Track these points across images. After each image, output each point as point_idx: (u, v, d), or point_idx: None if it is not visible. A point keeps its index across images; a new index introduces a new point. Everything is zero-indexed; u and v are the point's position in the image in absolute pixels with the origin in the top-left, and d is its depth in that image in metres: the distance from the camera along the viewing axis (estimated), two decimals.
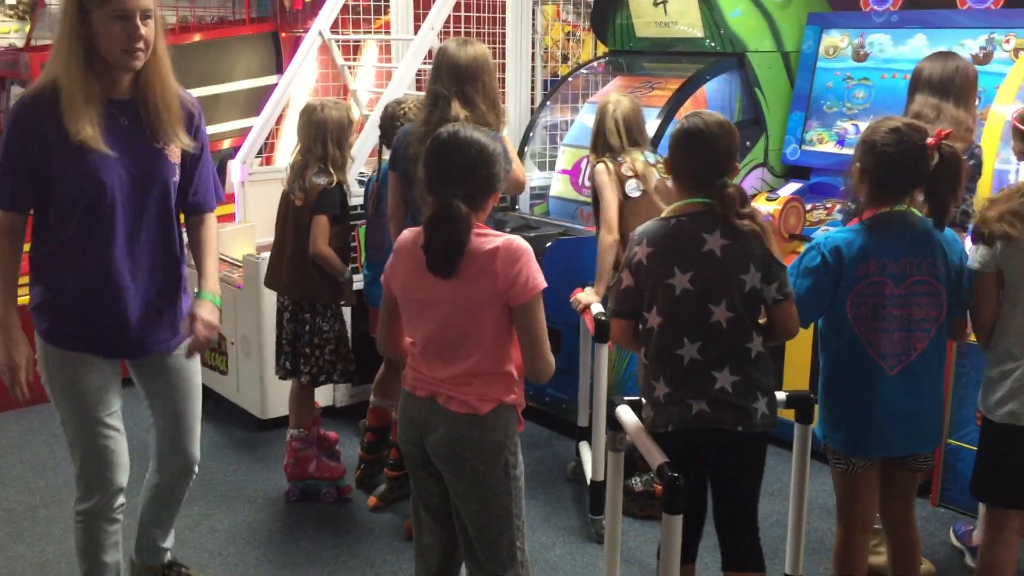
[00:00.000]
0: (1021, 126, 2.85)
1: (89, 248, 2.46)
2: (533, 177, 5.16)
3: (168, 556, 3.02)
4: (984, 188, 3.43)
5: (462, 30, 5.34)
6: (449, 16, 5.02)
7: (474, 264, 2.28)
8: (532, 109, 5.47)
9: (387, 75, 5.40)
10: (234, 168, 5.11)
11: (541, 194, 5.14)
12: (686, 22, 4.79)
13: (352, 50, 5.76)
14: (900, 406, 2.58)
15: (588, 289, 3.67)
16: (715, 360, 2.44)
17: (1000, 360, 2.71)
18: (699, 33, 4.77)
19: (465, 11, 5.42)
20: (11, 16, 7.46)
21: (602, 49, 5.51)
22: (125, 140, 2.44)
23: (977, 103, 3.39)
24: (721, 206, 2.44)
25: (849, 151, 4.33)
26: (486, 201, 2.35)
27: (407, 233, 2.42)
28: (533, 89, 5.70)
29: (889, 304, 2.54)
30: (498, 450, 2.36)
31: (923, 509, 3.65)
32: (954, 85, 3.17)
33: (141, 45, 2.37)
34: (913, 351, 2.57)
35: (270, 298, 3.96)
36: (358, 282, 4.06)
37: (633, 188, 3.58)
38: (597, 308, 3.49)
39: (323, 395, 4.31)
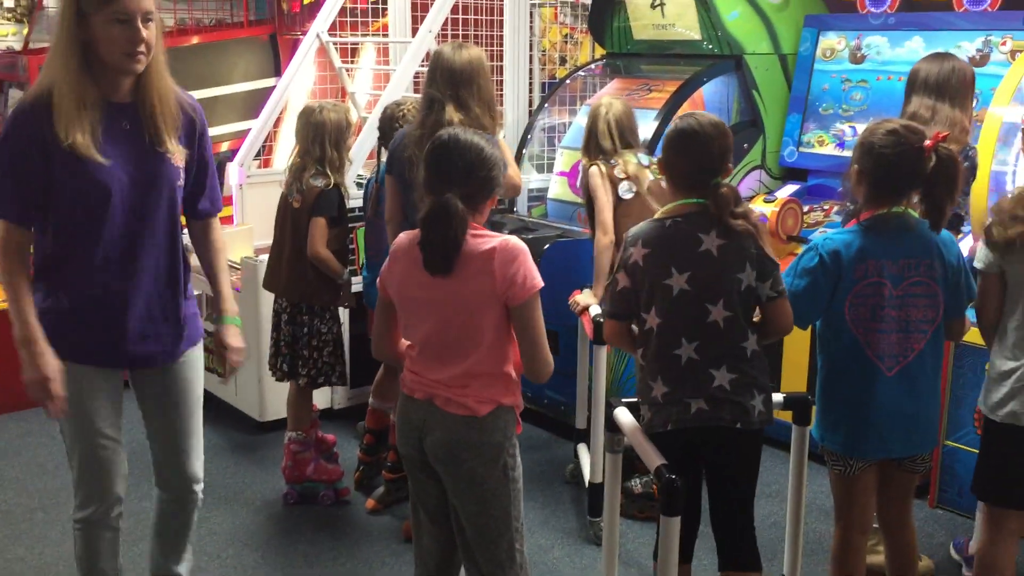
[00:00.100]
0: None
1: (88, 255, 2.40)
2: (531, 179, 5.17)
3: None
4: (981, 190, 3.44)
5: (460, 33, 5.35)
6: (447, 19, 5.03)
7: (472, 264, 2.29)
8: (530, 111, 5.48)
9: (385, 78, 5.41)
10: (232, 170, 5.11)
11: (539, 196, 5.15)
12: (683, 24, 4.80)
13: (350, 53, 5.77)
14: (898, 407, 2.58)
15: (586, 291, 3.67)
16: (713, 359, 2.45)
17: (1001, 360, 2.71)
18: (696, 35, 4.78)
19: (463, 14, 5.43)
20: (9, 19, 7.46)
21: (600, 51, 5.52)
22: (127, 144, 2.38)
23: (975, 104, 3.40)
24: (716, 206, 2.45)
25: (847, 153, 4.35)
26: (483, 203, 2.36)
27: (403, 236, 2.42)
28: (531, 91, 5.71)
29: (887, 305, 2.55)
30: (496, 452, 2.36)
31: (921, 510, 3.66)
32: (950, 86, 3.18)
33: (142, 48, 2.31)
34: (911, 352, 2.58)
35: (268, 300, 3.96)
36: (357, 284, 4.07)
37: (626, 190, 3.59)
38: (595, 310, 3.50)
39: (321, 397, 4.31)
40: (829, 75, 4.69)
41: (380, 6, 5.76)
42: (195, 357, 2.64)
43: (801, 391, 3.69)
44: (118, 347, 2.47)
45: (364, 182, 4.56)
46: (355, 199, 4.26)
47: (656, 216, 2.57)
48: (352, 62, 5.81)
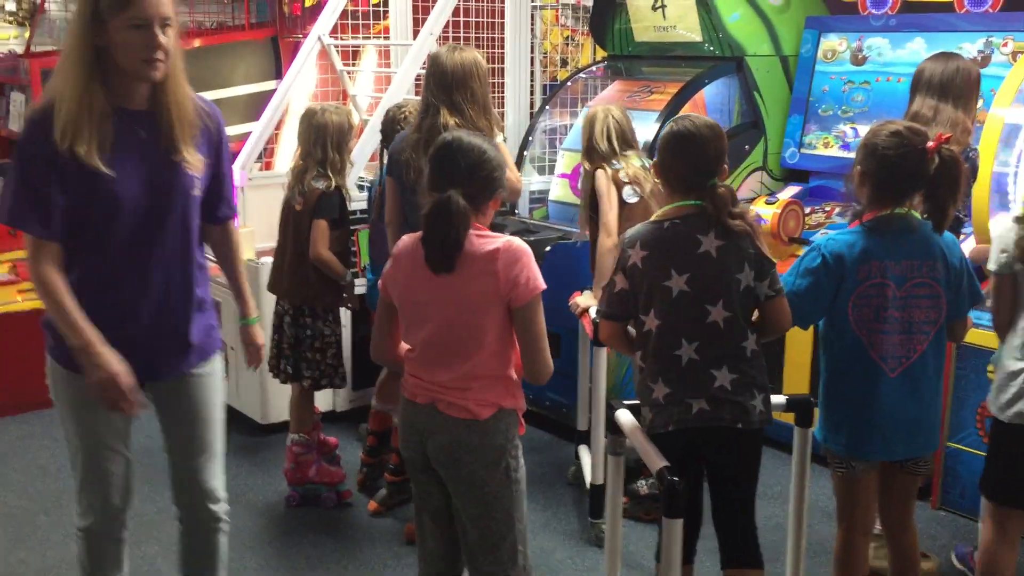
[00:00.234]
0: None
1: (97, 264, 2.32)
2: (532, 181, 5.17)
3: None
4: (982, 191, 3.44)
5: (461, 35, 5.36)
6: (448, 21, 5.03)
7: (475, 264, 2.29)
8: (531, 113, 5.48)
9: (386, 80, 5.41)
10: (233, 173, 5.11)
11: (540, 198, 5.15)
12: (685, 26, 4.80)
13: (351, 55, 5.77)
14: (900, 409, 2.58)
15: (587, 292, 3.68)
16: (713, 359, 2.46)
17: (1011, 361, 2.72)
18: (698, 37, 4.78)
19: (464, 16, 5.43)
20: (11, 22, 7.47)
21: (601, 54, 5.53)
22: (141, 153, 2.30)
23: (979, 104, 3.40)
24: (713, 206, 2.46)
25: (848, 155, 4.35)
26: (486, 204, 2.36)
27: (407, 237, 2.43)
28: (532, 94, 5.71)
29: (891, 306, 2.55)
30: (498, 454, 2.37)
31: (923, 512, 3.65)
32: (954, 86, 3.18)
33: (160, 55, 2.22)
34: (913, 353, 2.58)
35: (270, 302, 3.96)
36: (360, 286, 4.07)
37: (631, 194, 3.60)
38: (595, 311, 3.50)
39: (323, 400, 4.31)
40: (830, 77, 4.69)
41: (381, 9, 5.77)
42: (212, 371, 2.54)
43: (803, 392, 3.70)
44: (126, 359, 2.35)
45: (366, 185, 4.57)
46: (357, 201, 4.26)
47: (653, 218, 2.57)
48: (353, 65, 5.81)
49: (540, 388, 4.19)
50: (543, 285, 2.31)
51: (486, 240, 2.31)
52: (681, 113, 4.48)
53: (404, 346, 2.47)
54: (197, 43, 6.04)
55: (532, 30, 5.72)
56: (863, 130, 4.22)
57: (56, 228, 2.25)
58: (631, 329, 2.60)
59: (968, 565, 3.28)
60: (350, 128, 3.83)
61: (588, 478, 3.64)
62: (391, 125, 3.85)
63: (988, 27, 4.17)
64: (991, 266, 2.77)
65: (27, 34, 7.03)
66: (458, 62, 3.29)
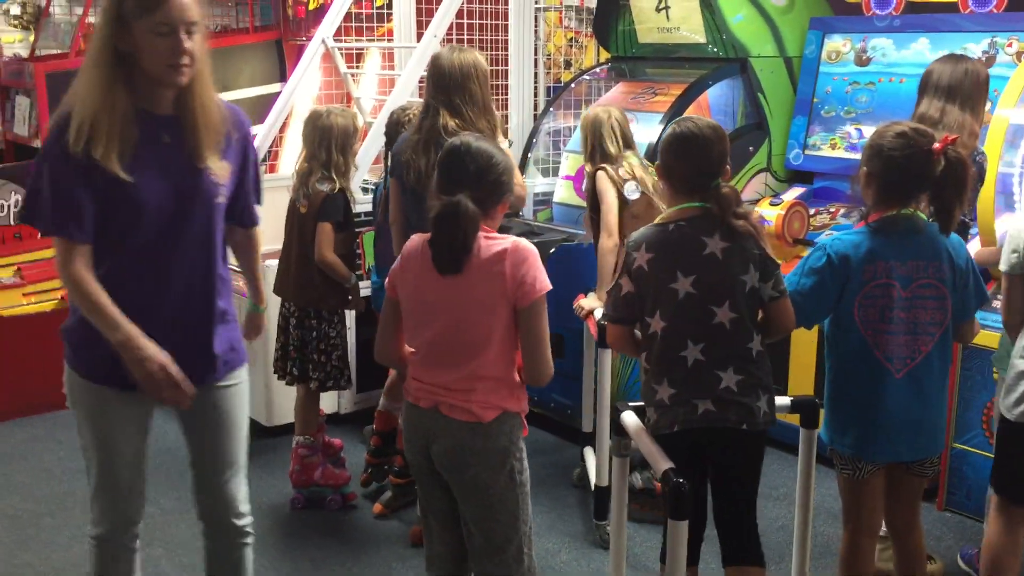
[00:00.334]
0: None
1: (116, 271, 2.27)
2: (536, 183, 5.17)
3: None
4: (988, 191, 3.43)
5: (465, 37, 5.36)
6: (452, 23, 5.03)
7: (483, 265, 2.30)
8: (535, 115, 5.48)
9: (390, 82, 5.42)
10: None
11: (545, 200, 5.15)
12: (688, 28, 4.80)
13: (355, 58, 5.78)
14: (906, 410, 2.58)
15: (591, 294, 3.68)
16: (719, 360, 2.46)
17: (1020, 360, 2.73)
18: (701, 39, 4.78)
19: (468, 18, 5.43)
20: (15, 26, 7.49)
21: (605, 55, 5.52)
22: (165, 158, 2.26)
23: (988, 106, 3.39)
24: (718, 207, 2.46)
25: (853, 156, 4.35)
26: (495, 207, 2.37)
27: (416, 237, 2.43)
28: (536, 96, 5.72)
29: (896, 307, 2.55)
30: (503, 457, 2.37)
31: (929, 513, 3.64)
32: (962, 89, 3.18)
33: (186, 60, 2.19)
34: (918, 354, 2.58)
35: (276, 305, 3.97)
36: (364, 288, 4.07)
37: (632, 190, 3.61)
38: (600, 313, 3.49)
39: (328, 402, 4.32)
40: (834, 78, 4.68)
41: (385, 11, 5.77)
42: (237, 382, 2.49)
43: (808, 394, 3.70)
44: None
45: (370, 187, 4.57)
46: (361, 204, 4.26)
47: (657, 221, 2.58)
48: (357, 67, 5.82)
49: (545, 390, 4.19)
50: (549, 286, 2.32)
51: (494, 241, 2.32)
52: (685, 115, 4.48)
53: (408, 349, 2.47)
54: None
55: (536, 32, 5.72)
56: (868, 131, 4.22)
57: (89, 230, 2.22)
58: (636, 332, 2.60)
59: (974, 567, 3.28)
60: (355, 131, 3.83)
61: (593, 480, 3.64)
62: (395, 127, 3.86)
63: (992, 27, 4.16)
64: (1002, 266, 2.78)
65: (32, 38, 7.05)
66: (456, 63, 3.30)
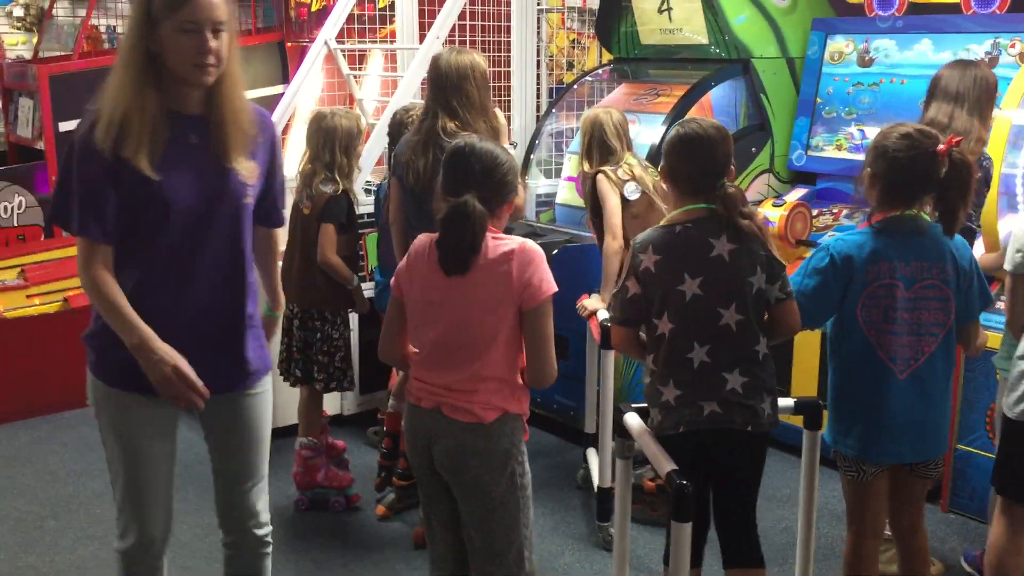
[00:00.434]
0: None
1: (141, 273, 2.24)
2: (539, 184, 5.18)
3: None
4: (991, 193, 3.43)
5: (467, 39, 5.36)
6: (454, 25, 5.04)
7: (489, 266, 2.30)
8: (537, 117, 5.48)
9: (393, 84, 5.42)
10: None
11: (547, 201, 5.16)
12: (691, 29, 4.80)
13: (358, 59, 5.78)
14: (909, 411, 2.58)
15: (594, 295, 3.68)
16: (725, 362, 2.46)
17: (1021, 360, 2.73)
18: (704, 40, 4.78)
19: (470, 20, 5.43)
20: (19, 28, 7.51)
21: (607, 56, 5.53)
22: (193, 158, 2.24)
23: (997, 112, 3.39)
24: (725, 207, 2.47)
25: (855, 157, 4.34)
26: (500, 207, 2.38)
27: (422, 238, 2.44)
28: (539, 97, 5.72)
29: (900, 307, 2.55)
30: (504, 459, 2.36)
31: (932, 515, 3.64)
32: (971, 95, 3.18)
33: (212, 60, 2.17)
34: (921, 355, 2.58)
35: None
36: (368, 290, 4.07)
37: (632, 191, 3.62)
38: (603, 314, 3.50)
39: (331, 403, 4.32)
40: (837, 79, 4.68)
41: (388, 13, 5.78)
42: (264, 390, 2.47)
43: (812, 395, 3.69)
44: None
45: (372, 188, 4.58)
46: (364, 205, 4.27)
47: (663, 223, 2.58)
48: (360, 69, 5.82)
49: (548, 391, 4.19)
50: (555, 288, 2.32)
51: (500, 242, 2.32)
52: (687, 116, 4.49)
53: (411, 349, 2.47)
54: None
55: (538, 33, 5.72)
56: (870, 132, 4.22)
57: (112, 231, 2.21)
58: (641, 334, 2.60)
59: (978, 568, 3.27)
60: (359, 133, 3.83)
61: (596, 481, 3.64)
62: (398, 128, 3.86)
63: (995, 28, 4.16)
64: (1007, 266, 2.80)
65: (35, 40, 7.06)
66: (453, 65, 3.31)
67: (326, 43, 5.34)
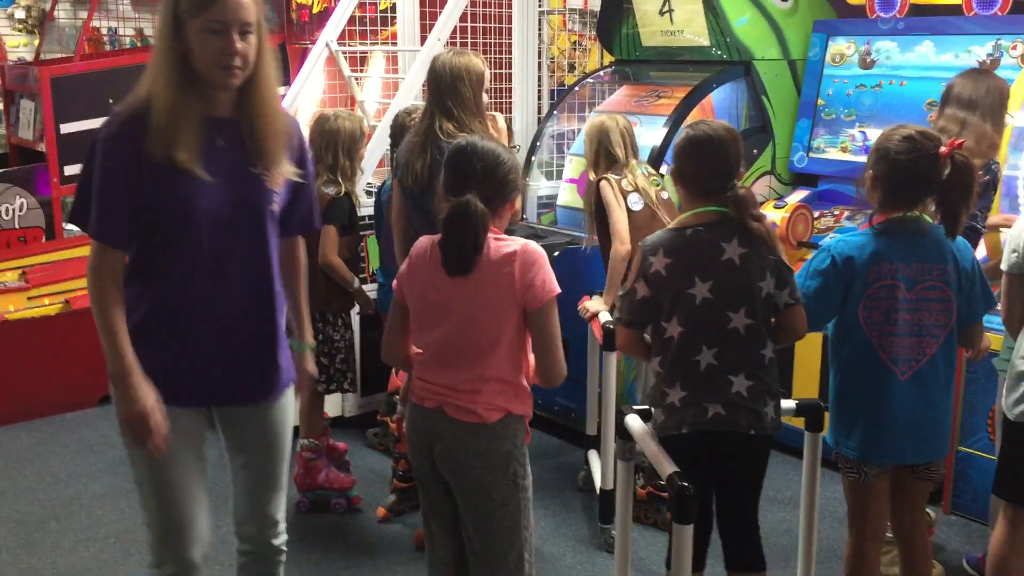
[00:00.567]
0: None
1: (170, 281, 2.20)
2: (540, 186, 5.18)
3: None
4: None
5: (468, 40, 5.36)
6: (456, 27, 5.04)
7: (492, 267, 2.30)
8: (539, 119, 5.48)
9: (394, 86, 5.42)
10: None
11: (548, 203, 5.16)
12: (692, 31, 4.80)
13: (359, 61, 5.79)
14: (911, 412, 2.58)
15: (596, 297, 3.68)
16: (732, 365, 2.46)
17: (1020, 361, 2.73)
18: (705, 41, 4.78)
19: (471, 21, 5.43)
20: (20, 30, 7.52)
21: (608, 58, 5.52)
22: (220, 163, 2.17)
23: (1009, 120, 3.40)
24: (736, 208, 2.47)
25: (857, 158, 4.34)
26: (502, 207, 2.38)
27: (424, 239, 2.44)
28: (540, 99, 5.72)
29: (901, 308, 2.55)
30: (506, 460, 2.36)
31: (936, 516, 3.64)
32: (983, 102, 3.19)
33: (237, 62, 2.12)
34: (923, 357, 2.58)
35: None
36: (370, 291, 4.07)
37: (635, 201, 3.63)
38: (605, 316, 3.50)
39: (332, 405, 4.32)
40: (838, 80, 4.68)
41: (389, 15, 5.78)
42: (288, 401, 2.43)
43: (813, 397, 3.69)
44: (197, 382, 2.25)
45: (372, 190, 4.58)
46: (366, 207, 4.27)
47: (673, 225, 2.58)
48: (361, 71, 5.82)
49: (549, 393, 4.19)
50: (558, 289, 2.32)
51: (503, 243, 2.32)
52: (688, 118, 4.49)
53: (414, 349, 2.47)
54: None
55: (539, 35, 5.72)
56: (872, 134, 4.22)
57: (128, 237, 2.17)
58: (646, 335, 2.60)
59: (980, 570, 3.27)
60: (361, 135, 3.84)
61: (598, 483, 3.64)
62: (400, 130, 3.87)
63: (997, 30, 4.16)
64: (1003, 265, 2.80)
65: (36, 42, 7.07)
66: (448, 66, 3.33)
67: (327, 45, 5.34)
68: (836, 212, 4.47)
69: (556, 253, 4.19)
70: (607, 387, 3.44)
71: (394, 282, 2.48)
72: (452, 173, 2.37)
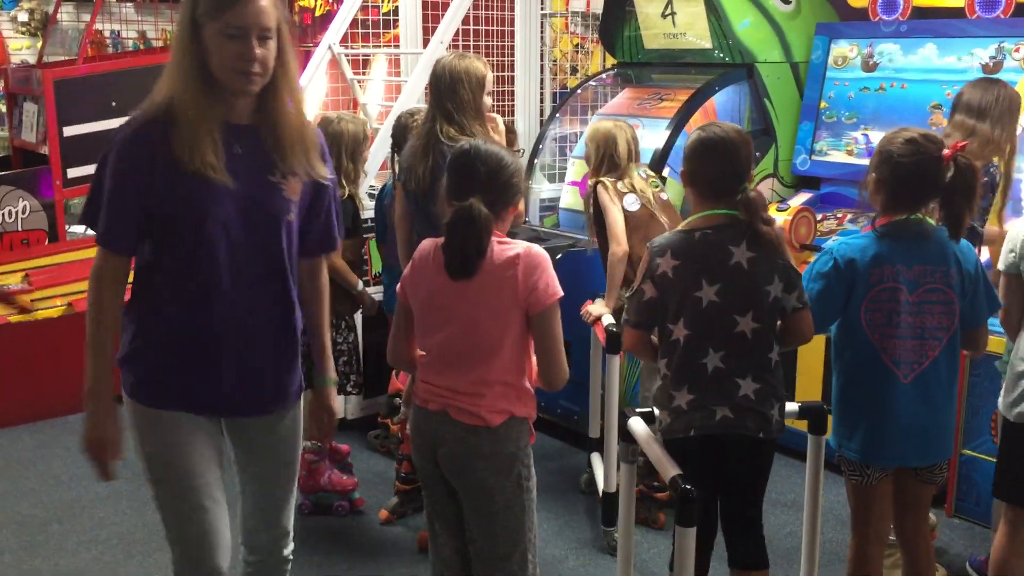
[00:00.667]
0: None
1: (188, 290, 2.13)
2: (543, 189, 5.18)
3: None
4: (996, 200, 3.43)
5: (471, 43, 5.37)
6: (458, 29, 5.04)
7: (495, 270, 2.30)
8: (541, 121, 5.49)
9: (396, 89, 5.43)
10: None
11: (551, 206, 5.16)
12: (695, 33, 4.80)
13: (361, 64, 5.79)
14: (913, 414, 2.58)
15: (598, 300, 3.68)
16: (739, 369, 2.46)
17: (1019, 361, 2.74)
18: (708, 44, 4.78)
19: (474, 24, 5.44)
20: (23, 33, 7.53)
21: (611, 61, 5.53)
22: (237, 170, 2.11)
23: (1019, 128, 3.41)
24: (747, 211, 2.46)
25: (860, 161, 4.34)
26: (505, 210, 2.37)
27: (427, 241, 2.44)
28: (542, 101, 5.73)
29: (903, 311, 2.55)
30: (510, 462, 2.36)
31: (937, 520, 3.63)
32: (992, 110, 3.21)
33: (257, 68, 2.06)
34: (926, 359, 2.57)
35: None
36: (376, 293, 4.07)
37: (632, 202, 3.64)
38: (608, 319, 3.50)
39: None
40: (841, 83, 4.68)
41: (391, 18, 5.79)
42: (299, 410, 2.38)
43: (816, 400, 3.69)
44: (215, 393, 2.19)
45: (373, 193, 4.58)
46: (370, 210, 4.27)
47: (681, 227, 2.57)
48: (364, 73, 5.83)
49: (552, 396, 4.19)
50: (561, 292, 2.31)
51: (506, 247, 2.32)
52: (691, 121, 4.49)
53: (418, 352, 2.47)
54: None
55: (542, 38, 5.73)
56: (874, 136, 4.22)
57: (134, 245, 2.13)
58: (652, 337, 2.60)
59: (983, 574, 3.27)
60: (365, 138, 3.85)
61: (601, 486, 3.64)
62: (402, 132, 3.87)
63: (1000, 33, 4.16)
64: (1000, 265, 2.81)
65: (39, 44, 7.08)
66: (448, 69, 3.34)
67: (330, 48, 5.35)
68: (839, 215, 4.48)
69: (559, 256, 4.19)
70: (610, 390, 3.44)
71: (398, 285, 2.48)
72: (455, 177, 2.37)
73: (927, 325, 2.57)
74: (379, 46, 5.83)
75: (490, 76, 3.43)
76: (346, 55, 5.44)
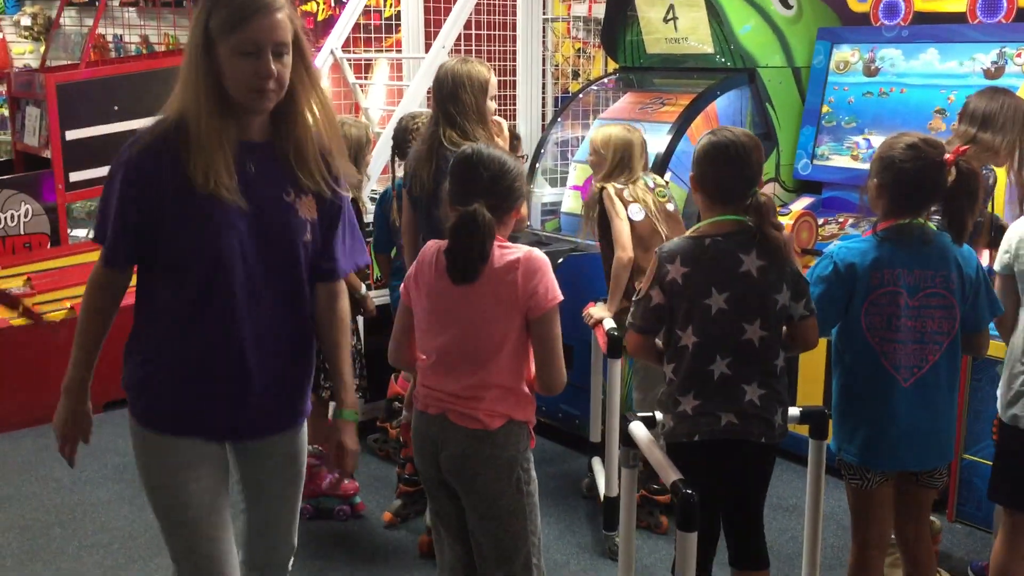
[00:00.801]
0: None
1: (202, 312, 2.07)
2: (544, 193, 5.18)
3: None
4: (996, 202, 3.43)
5: (473, 48, 5.38)
6: (460, 34, 5.05)
7: (495, 275, 2.31)
8: (543, 126, 5.49)
9: (398, 93, 5.44)
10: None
11: (552, 210, 5.16)
12: (696, 38, 4.80)
13: (363, 68, 5.81)
14: (914, 419, 2.58)
15: (600, 304, 3.68)
16: (745, 375, 2.46)
17: (1013, 363, 2.74)
18: (709, 49, 4.79)
19: (476, 29, 5.45)
20: (26, 37, 7.55)
21: (612, 65, 5.54)
22: (250, 188, 2.04)
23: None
24: (757, 216, 2.46)
25: (861, 166, 4.34)
26: (507, 215, 2.38)
27: (431, 244, 2.44)
28: (544, 106, 5.74)
29: (903, 315, 2.55)
30: (510, 466, 2.37)
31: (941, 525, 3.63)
32: (996, 117, 3.21)
33: (272, 85, 1.99)
34: (926, 363, 2.58)
35: None
36: (382, 298, 4.08)
37: (636, 212, 3.64)
38: (609, 323, 3.50)
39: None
40: (843, 88, 4.68)
41: (393, 22, 5.80)
42: (305, 429, 2.33)
43: (817, 404, 3.69)
44: (228, 417, 2.15)
45: (376, 197, 4.59)
46: (371, 214, 4.27)
47: (691, 233, 2.57)
48: (366, 78, 5.84)
49: (553, 400, 4.18)
50: (561, 297, 2.32)
51: (507, 251, 2.33)
52: (693, 126, 4.49)
53: (419, 356, 2.47)
54: None
55: (544, 42, 5.74)
56: (876, 141, 4.22)
57: (133, 259, 2.10)
58: (657, 341, 2.61)
59: None
60: (367, 142, 3.85)
61: (602, 490, 3.64)
62: (403, 135, 3.88)
63: (1001, 38, 4.16)
64: (995, 266, 2.82)
65: (42, 49, 7.10)
66: (450, 73, 3.34)
67: (332, 52, 5.36)
68: (840, 219, 4.48)
69: (560, 260, 4.19)
70: (611, 394, 3.44)
71: (401, 287, 2.49)
72: (458, 181, 2.38)
73: (927, 329, 2.57)
74: (381, 50, 5.84)
75: (494, 80, 3.43)
76: (348, 59, 5.45)
